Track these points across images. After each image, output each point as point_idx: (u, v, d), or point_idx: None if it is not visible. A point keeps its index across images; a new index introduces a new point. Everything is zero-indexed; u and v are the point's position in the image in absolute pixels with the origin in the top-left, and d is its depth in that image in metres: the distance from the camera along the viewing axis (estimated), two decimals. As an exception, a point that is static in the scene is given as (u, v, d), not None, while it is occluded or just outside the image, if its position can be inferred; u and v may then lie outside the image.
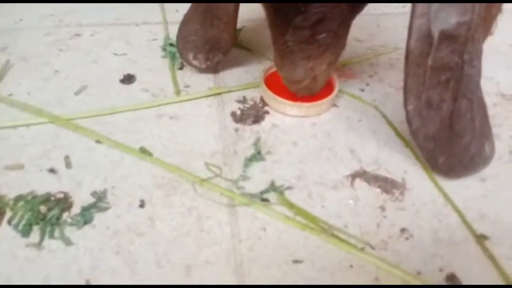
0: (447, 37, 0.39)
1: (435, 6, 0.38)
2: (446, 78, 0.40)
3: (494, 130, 0.45)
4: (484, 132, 0.43)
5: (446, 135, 0.42)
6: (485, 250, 0.39)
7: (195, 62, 0.56)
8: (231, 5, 0.51)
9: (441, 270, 0.38)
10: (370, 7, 0.72)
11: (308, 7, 0.40)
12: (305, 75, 0.47)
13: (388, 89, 0.56)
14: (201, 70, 0.57)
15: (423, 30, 0.39)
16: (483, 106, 0.43)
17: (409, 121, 0.42)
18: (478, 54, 0.41)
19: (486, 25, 0.50)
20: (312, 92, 0.50)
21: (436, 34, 0.38)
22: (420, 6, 0.38)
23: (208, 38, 0.54)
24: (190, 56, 0.56)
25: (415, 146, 0.47)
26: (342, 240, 0.39)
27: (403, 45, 0.64)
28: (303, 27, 0.42)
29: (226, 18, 0.52)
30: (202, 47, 0.55)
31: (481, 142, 0.43)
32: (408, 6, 0.74)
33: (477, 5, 0.38)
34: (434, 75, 0.40)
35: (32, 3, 0.70)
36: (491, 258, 0.39)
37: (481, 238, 0.40)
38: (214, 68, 0.57)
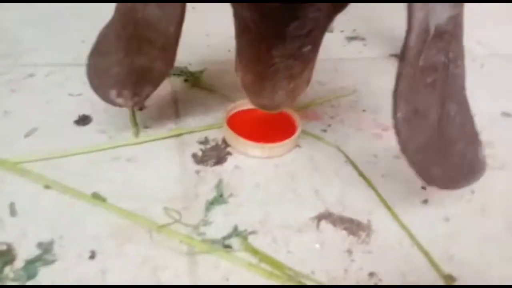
0: (437, 34, 0.36)
1: None
2: (432, 79, 0.38)
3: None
4: (474, 137, 0.42)
5: (437, 144, 0.39)
6: (454, 292, 0.38)
7: (119, 101, 0.47)
8: (171, 25, 0.43)
9: (411, 316, 0.36)
10: (329, 52, 0.73)
11: (306, 10, 0.35)
12: (286, 97, 0.42)
13: (349, 130, 0.56)
14: (129, 107, 0.51)
15: (423, 25, 0.36)
16: (469, 109, 0.41)
17: (397, 131, 0.38)
18: (461, 52, 0.39)
19: None
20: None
21: (432, 29, 0.36)
22: None
23: (135, 68, 0.46)
24: (113, 94, 0.46)
25: (379, 186, 0.46)
26: (309, 288, 0.37)
27: (361, 87, 0.65)
28: (296, 36, 0.37)
29: (164, 41, 0.44)
30: (127, 80, 0.46)
31: (474, 148, 0.41)
32: (363, 51, 0.77)
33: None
34: (421, 77, 0.38)
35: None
36: (460, 300, 0.38)
37: (449, 279, 0.39)
38: (143, 104, 0.50)
